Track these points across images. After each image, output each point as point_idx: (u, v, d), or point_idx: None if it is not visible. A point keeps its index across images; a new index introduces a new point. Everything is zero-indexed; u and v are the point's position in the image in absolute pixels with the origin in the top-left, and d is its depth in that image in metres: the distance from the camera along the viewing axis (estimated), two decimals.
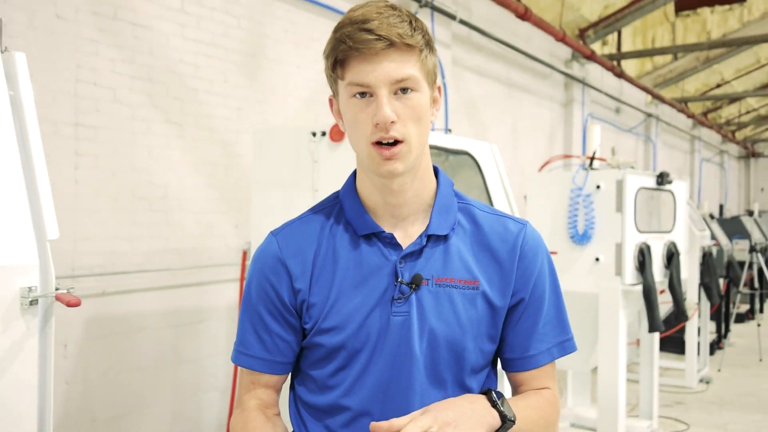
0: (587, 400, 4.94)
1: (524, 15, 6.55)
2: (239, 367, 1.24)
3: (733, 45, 9.53)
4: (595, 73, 9.30)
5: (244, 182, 4.19)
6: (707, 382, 6.31)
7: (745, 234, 9.24)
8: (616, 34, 9.35)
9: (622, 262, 4.01)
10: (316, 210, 1.25)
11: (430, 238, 1.18)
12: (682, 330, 6.30)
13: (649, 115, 11.91)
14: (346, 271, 1.16)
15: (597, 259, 4.08)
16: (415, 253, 1.17)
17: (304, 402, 1.21)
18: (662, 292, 4.49)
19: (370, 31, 1.04)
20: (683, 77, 11.87)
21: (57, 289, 1.32)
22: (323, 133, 2.69)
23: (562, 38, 7.51)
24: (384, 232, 1.17)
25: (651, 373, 4.74)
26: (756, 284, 8.84)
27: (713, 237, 7.14)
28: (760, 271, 8.35)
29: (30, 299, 1.28)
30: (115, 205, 3.52)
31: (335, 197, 1.26)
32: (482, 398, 1.10)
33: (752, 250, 7.99)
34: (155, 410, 3.72)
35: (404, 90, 1.08)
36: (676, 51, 9.84)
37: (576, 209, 4.15)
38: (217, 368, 4.07)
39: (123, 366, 3.55)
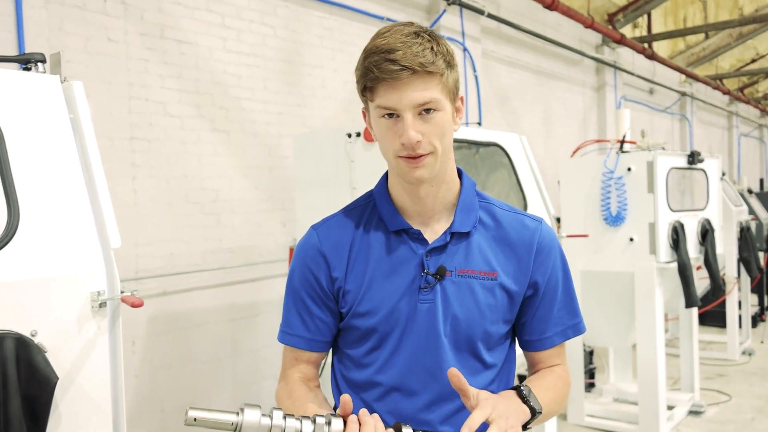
0: (628, 375, 4.90)
1: (552, 5, 6.47)
2: (284, 345, 1.35)
3: (766, 20, 9.17)
4: (626, 56, 9.09)
5: (287, 183, 4.29)
6: (750, 354, 6.17)
7: None
8: (646, 17, 9.12)
9: (656, 241, 3.96)
10: (351, 208, 1.35)
11: (454, 235, 1.26)
12: (724, 304, 6.17)
13: (684, 94, 11.58)
14: (378, 262, 1.26)
15: (631, 239, 4.04)
16: (440, 248, 1.25)
17: (344, 377, 1.32)
18: (699, 268, 4.42)
19: (395, 61, 1.12)
20: (717, 54, 11.48)
21: (122, 292, 1.43)
22: (358, 134, 2.76)
23: (590, 24, 7.38)
24: (412, 228, 1.26)
25: (691, 346, 4.68)
26: None
27: (751, 211, 6.94)
28: None
29: (99, 302, 1.38)
30: (170, 210, 3.66)
31: (368, 196, 1.35)
32: (514, 395, 1.19)
33: None
34: (218, 399, 3.86)
35: (428, 110, 1.16)
36: (707, 30, 9.53)
37: (608, 192, 4.12)
38: (274, 357, 4.19)
39: (186, 359, 3.70)
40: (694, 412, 4.61)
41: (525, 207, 3.14)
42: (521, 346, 1.36)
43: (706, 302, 5.57)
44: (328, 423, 1.06)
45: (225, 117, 3.98)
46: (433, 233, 1.27)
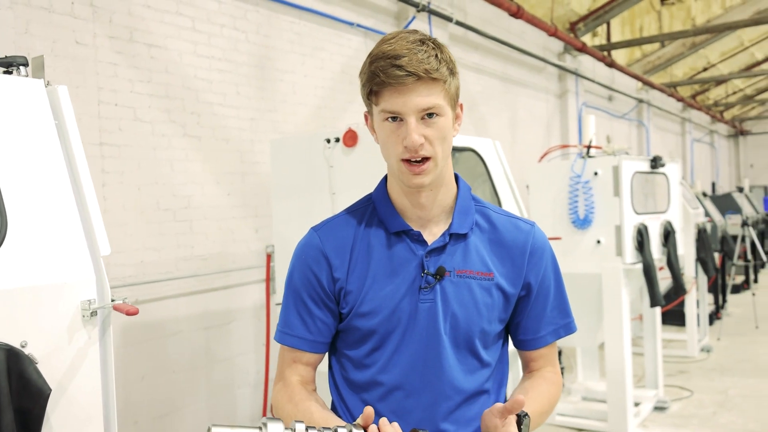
0: (596, 374, 5.00)
1: (517, 13, 6.58)
2: (281, 346, 1.34)
3: (717, 30, 9.52)
4: (587, 63, 9.32)
5: (261, 188, 4.25)
6: (708, 351, 6.37)
7: (737, 209, 9.31)
8: (605, 26, 9.37)
9: (622, 243, 4.07)
10: (351, 210, 1.36)
11: (452, 236, 1.29)
12: (682, 303, 6.36)
13: (641, 101, 11.92)
14: (379, 263, 1.28)
15: (598, 242, 4.14)
16: (439, 249, 1.28)
17: (344, 378, 1.33)
18: (661, 268, 4.55)
19: (401, 67, 1.15)
20: (671, 63, 11.87)
21: (112, 300, 1.40)
22: (337, 139, 2.75)
23: (554, 32, 7.54)
24: (412, 230, 1.29)
25: (654, 345, 4.81)
26: (749, 256, 8.92)
27: (707, 214, 7.19)
28: (753, 244, 8.43)
29: (90, 311, 1.35)
30: (142, 217, 3.59)
31: (368, 199, 1.37)
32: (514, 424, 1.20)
33: (744, 224, 8.06)
34: (193, 409, 3.80)
35: (430, 115, 1.19)
36: (663, 39, 9.85)
37: (576, 196, 4.21)
38: (248, 365, 4.15)
39: (160, 369, 3.63)
40: (659, 408, 4.73)
41: None
42: (515, 345, 1.40)
43: (667, 301, 5.73)
44: None
45: (196, 122, 3.92)
46: (431, 235, 1.30)
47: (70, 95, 3.25)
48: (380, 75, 1.16)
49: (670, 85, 12.74)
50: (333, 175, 2.74)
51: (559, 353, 5.32)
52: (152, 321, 3.61)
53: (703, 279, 6.65)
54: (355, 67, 5.16)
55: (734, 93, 17.12)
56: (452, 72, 1.21)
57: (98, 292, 1.38)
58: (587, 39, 9.20)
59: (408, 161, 1.20)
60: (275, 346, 4.15)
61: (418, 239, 1.28)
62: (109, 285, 1.40)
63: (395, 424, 1.08)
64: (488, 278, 1.28)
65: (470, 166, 3.18)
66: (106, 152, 3.44)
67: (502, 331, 1.36)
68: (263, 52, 4.37)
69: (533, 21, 7.01)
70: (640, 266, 4.14)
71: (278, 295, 3.20)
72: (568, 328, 1.39)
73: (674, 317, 6.94)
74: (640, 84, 11.76)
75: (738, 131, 20.56)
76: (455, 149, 3.13)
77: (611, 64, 9.40)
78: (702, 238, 6.14)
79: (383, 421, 1.08)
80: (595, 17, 8.71)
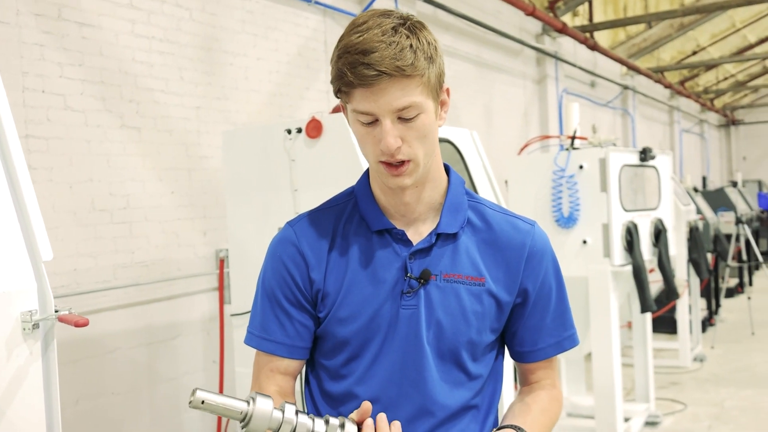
0: (582, 388, 5.12)
1: None
2: (257, 353, 1.35)
3: (707, 10, 9.82)
4: (567, 46, 9.51)
5: (209, 186, 4.24)
6: (701, 360, 6.57)
7: (729, 206, 9.55)
8: (587, 5, 9.57)
9: (610, 243, 4.16)
10: (331, 204, 1.38)
11: (440, 236, 1.30)
12: (673, 309, 6.53)
13: (626, 87, 12.21)
14: (359, 263, 1.30)
15: (584, 242, 4.23)
16: (425, 250, 1.30)
17: (318, 390, 1.34)
18: (651, 271, 4.67)
19: (370, 65, 1.12)
20: (658, 45, 12.18)
21: (56, 311, 1.40)
22: (299, 130, 2.77)
23: (531, 12, 7.68)
24: (396, 228, 1.31)
25: (645, 355, 4.94)
26: (744, 257, 9.11)
27: (698, 211, 7.39)
28: (747, 243, 8.61)
29: (32, 323, 1.35)
30: (74, 219, 3.55)
31: (350, 193, 1.38)
32: None
33: (738, 221, 8.23)
34: None
35: (408, 114, 1.18)
36: (649, 19, 10.11)
37: (560, 191, 4.29)
38: (197, 385, 4.12)
39: (96, 391, 3.59)
40: (650, 423, 4.89)
41: None
42: (512, 356, 1.41)
43: (658, 307, 5.90)
44: (342, 426, 1.09)
45: (135, 111, 3.89)
46: (417, 234, 1.31)
47: None
48: (348, 74, 1.14)
49: (656, 70, 13.08)
50: (294, 170, 2.76)
51: None
52: (87, 336, 3.56)
53: (696, 282, 6.84)
54: (312, 50, 5.18)
55: (725, 79, 17.67)
56: (431, 59, 1.19)
57: (40, 302, 1.38)
58: (567, 19, 9.39)
59: (387, 163, 1.21)
60: (229, 364, 4.15)
61: (402, 239, 1.29)
62: (52, 294, 1.40)
63: (396, 422, 1.11)
64: (479, 283, 1.29)
65: (445, 159, 3.23)
66: (32, 146, 3.39)
67: (495, 342, 1.36)
68: (210, 32, 4.36)
69: None
70: (629, 268, 4.25)
71: (233, 306, 3.20)
72: (572, 340, 1.39)
73: (664, 324, 7.13)
74: (624, 69, 12.05)
75: (729, 121, 21.21)
76: None
77: (593, 47, 9.61)
78: (694, 238, 6.32)
79: (381, 416, 1.11)
80: None
